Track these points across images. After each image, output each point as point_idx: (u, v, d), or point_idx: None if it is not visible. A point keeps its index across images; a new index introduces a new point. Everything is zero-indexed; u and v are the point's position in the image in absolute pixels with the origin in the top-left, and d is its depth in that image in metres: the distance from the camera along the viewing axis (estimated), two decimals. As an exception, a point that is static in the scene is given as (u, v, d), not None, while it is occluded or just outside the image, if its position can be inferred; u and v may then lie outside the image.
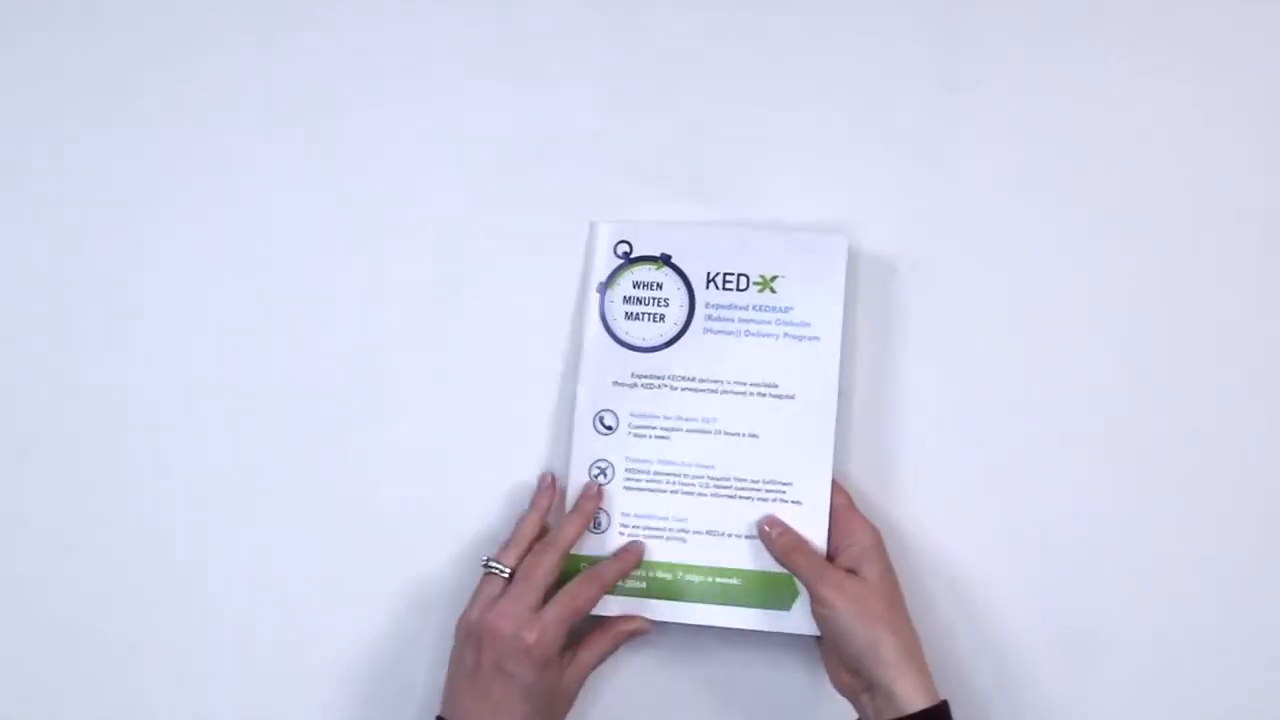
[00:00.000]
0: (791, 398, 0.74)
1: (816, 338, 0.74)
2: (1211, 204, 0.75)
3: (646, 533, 0.75)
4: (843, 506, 0.74)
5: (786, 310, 0.74)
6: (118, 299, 0.77)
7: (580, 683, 0.73)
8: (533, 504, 0.75)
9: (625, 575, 0.74)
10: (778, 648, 0.75)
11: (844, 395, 0.75)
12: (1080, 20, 0.75)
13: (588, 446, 0.76)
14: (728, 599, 0.74)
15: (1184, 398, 0.75)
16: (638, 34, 0.77)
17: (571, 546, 0.73)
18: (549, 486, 0.76)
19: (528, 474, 0.77)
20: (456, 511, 0.77)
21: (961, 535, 0.76)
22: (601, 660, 0.74)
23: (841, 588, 0.70)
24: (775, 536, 0.73)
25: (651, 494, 0.75)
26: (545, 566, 0.71)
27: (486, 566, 0.72)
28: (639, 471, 0.75)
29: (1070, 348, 0.76)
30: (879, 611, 0.70)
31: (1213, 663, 0.75)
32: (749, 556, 0.74)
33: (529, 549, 0.73)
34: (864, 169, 0.77)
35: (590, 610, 0.72)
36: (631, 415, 0.76)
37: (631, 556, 0.74)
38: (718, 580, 0.74)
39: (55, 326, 0.77)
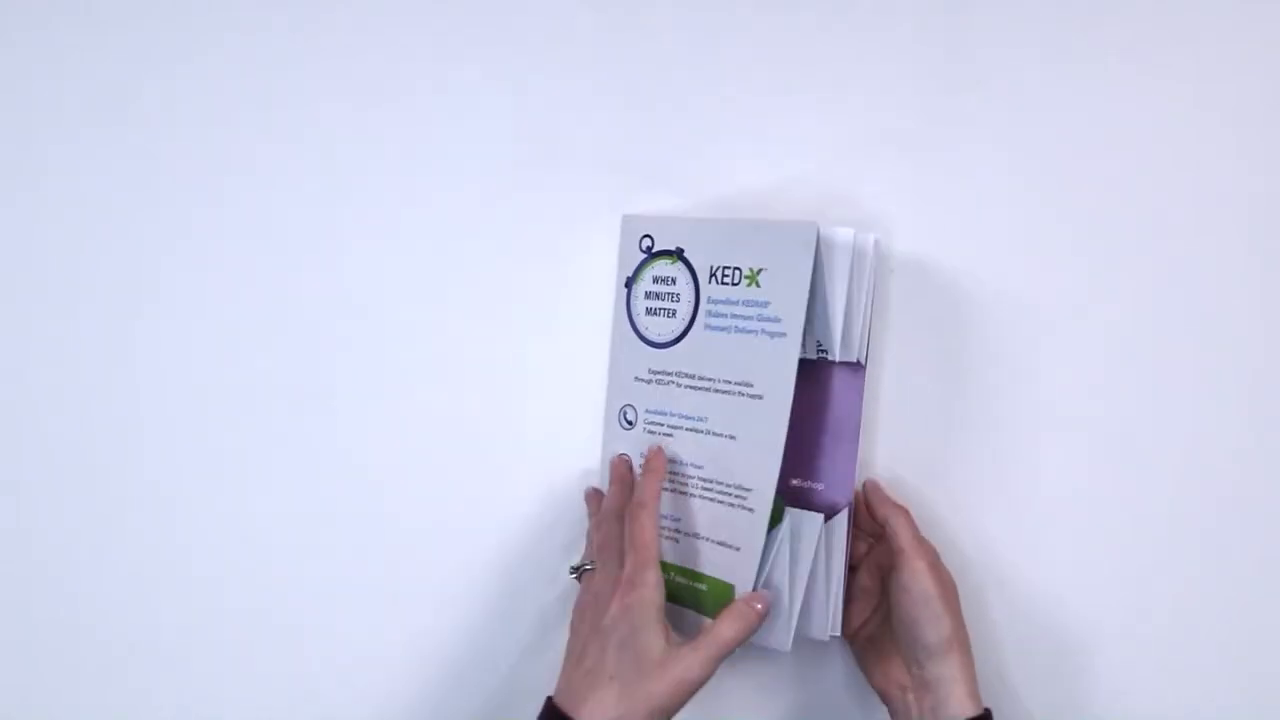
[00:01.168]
0: (761, 398, 0.69)
1: (784, 334, 0.68)
2: (1212, 204, 0.75)
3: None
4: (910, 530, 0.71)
5: (765, 305, 0.69)
6: (118, 299, 0.77)
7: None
8: (595, 515, 0.75)
9: (662, 479, 0.71)
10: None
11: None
12: (1080, 20, 0.75)
13: (613, 441, 0.76)
14: (697, 604, 0.72)
15: (1184, 397, 0.75)
16: (638, 34, 0.77)
17: (658, 502, 0.70)
18: (596, 496, 0.76)
19: (544, 467, 0.77)
20: (461, 513, 0.78)
21: (962, 535, 0.76)
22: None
23: (938, 569, 0.69)
24: (877, 494, 0.72)
25: (664, 492, 0.74)
26: (648, 528, 0.68)
27: (577, 571, 0.72)
28: None
29: (1069, 346, 0.76)
30: (957, 609, 0.70)
31: (1213, 663, 0.75)
32: (712, 564, 0.71)
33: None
34: (863, 169, 0.77)
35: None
36: (647, 411, 0.75)
37: (657, 459, 0.72)
38: (692, 584, 0.72)
39: (55, 326, 0.77)
